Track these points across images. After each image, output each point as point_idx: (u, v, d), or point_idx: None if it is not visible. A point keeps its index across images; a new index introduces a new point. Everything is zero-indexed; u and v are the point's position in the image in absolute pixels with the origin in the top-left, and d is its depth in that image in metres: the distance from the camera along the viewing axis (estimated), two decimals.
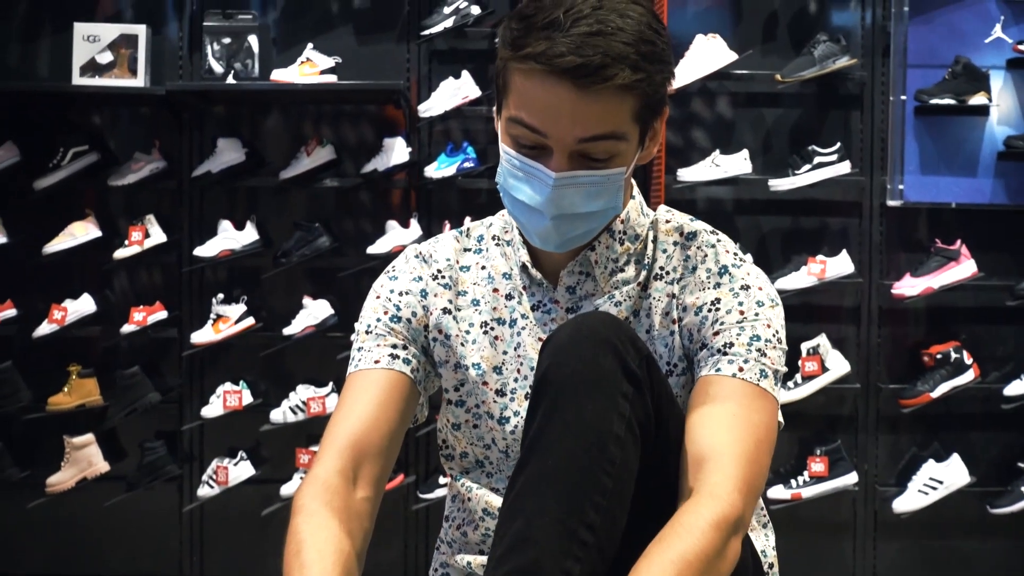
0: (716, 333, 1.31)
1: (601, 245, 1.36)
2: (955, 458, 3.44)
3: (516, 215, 1.34)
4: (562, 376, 1.18)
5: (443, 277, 1.43)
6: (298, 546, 1.22)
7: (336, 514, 1.25)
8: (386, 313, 1.41)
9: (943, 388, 3.43)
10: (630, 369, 1.18)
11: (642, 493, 1.19)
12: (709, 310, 1.33)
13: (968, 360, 3.46)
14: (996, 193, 3.56)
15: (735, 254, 1.36)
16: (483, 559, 1.42)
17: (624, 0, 1.25)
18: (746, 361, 1.29)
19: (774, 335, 1.32)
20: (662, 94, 1.29)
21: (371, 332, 1.40)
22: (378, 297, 1.42)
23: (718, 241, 1.38)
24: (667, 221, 1.40)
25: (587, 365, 1.18)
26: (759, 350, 1.30)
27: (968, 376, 3.44)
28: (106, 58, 3.46)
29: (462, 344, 1.40)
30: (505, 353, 1.39)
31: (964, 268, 3.45)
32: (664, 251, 1.38)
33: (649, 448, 1.19)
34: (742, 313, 1.32)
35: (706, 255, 1.36)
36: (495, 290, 1.41)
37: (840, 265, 3.46)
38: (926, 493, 3.45)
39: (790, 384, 3.37)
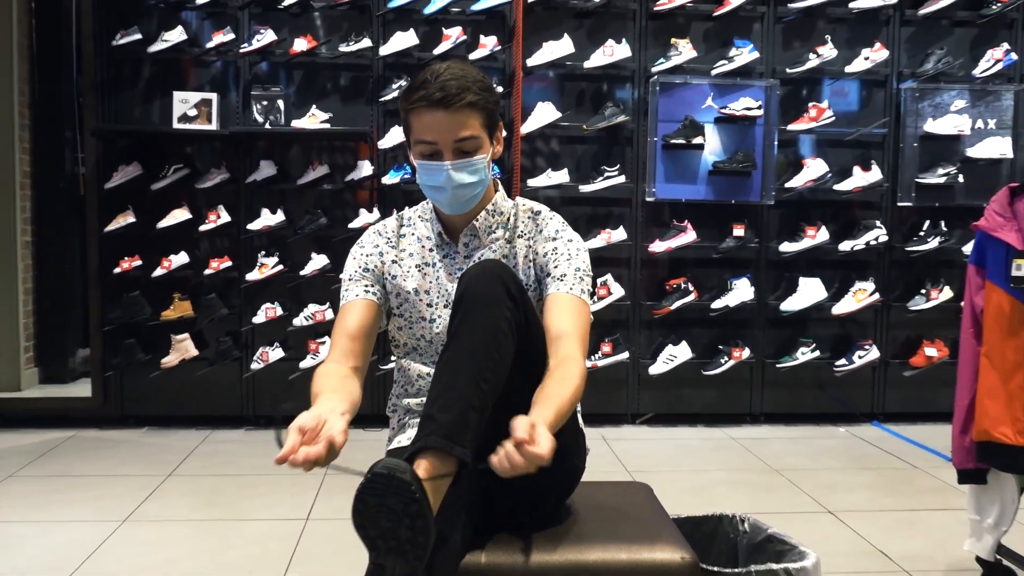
0: (556, 266, 1.59)
1: (482, 218, 1.62)
2: (684, 343, 4.36)
3: (432, 196, 1.58)
4: (472, 297, 1.38)
5: (391, 242, 1.67)
6: (316, 381, 1.47)
7: (339, 370, 1.52)
8: (360, 267, 1.65)
9: (677, 304, 4.29)
10: (512, 294, 1.39)
11: (517, 362, 1.41)
12: (552, 254, 1.61)
13: (691, 288, 4.33)
14: (708, 194, 4.37)
15: (561, 222, 1.66)
16: (417, 400, 1.66)
17: (463, 66, 1.53)
18: (574, 284, 1.57)
19: (588, 267, 1.61)
20: (495, 113, 1.55)
21: (352, 280, 1.64)
22: (354, 258, 1.67)
23: (552, 216, 1.67)
24: (524, 205, 1.68)
25: (487, 291, 1.38)
26: (581, 277, 1.58)
27: (691, 297, 4.33)
28: (193, 112, 4.17)
29: (404, 280, 1.62)
30: (431, 282, 1.63)
31: (688, 236, 4.32)
32: (523, 223, 1.66)
33: (521, 339, 1.41)
34: (569, 254, 1.60)
35: (548, 223, 1.66)
36: (422, 246, 1.66)
37: (619, 235, 4.29)
38: (667, 363, 4.32)
39: (590, 302, 3.60)
